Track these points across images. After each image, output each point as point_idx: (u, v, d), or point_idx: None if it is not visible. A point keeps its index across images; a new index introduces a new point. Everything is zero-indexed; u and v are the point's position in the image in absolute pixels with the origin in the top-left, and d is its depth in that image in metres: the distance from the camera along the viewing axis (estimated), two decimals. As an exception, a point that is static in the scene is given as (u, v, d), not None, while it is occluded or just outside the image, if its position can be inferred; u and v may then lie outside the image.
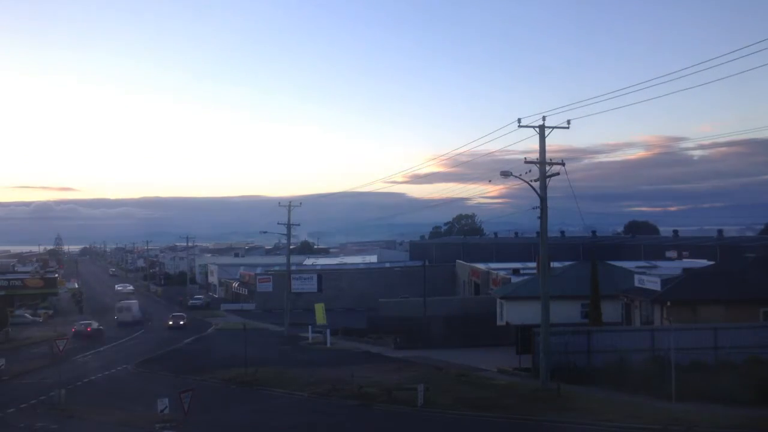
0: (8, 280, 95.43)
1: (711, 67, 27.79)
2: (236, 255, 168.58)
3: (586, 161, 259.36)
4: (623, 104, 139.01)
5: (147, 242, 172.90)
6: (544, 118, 32.76)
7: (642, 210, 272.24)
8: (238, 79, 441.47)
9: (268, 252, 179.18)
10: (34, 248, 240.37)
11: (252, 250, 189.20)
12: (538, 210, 33.38)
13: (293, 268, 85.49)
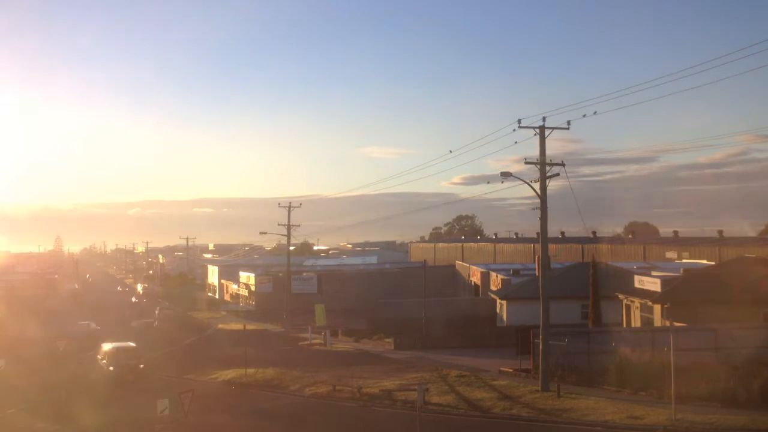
0: (8, 281, 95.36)
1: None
2: (236, 256, 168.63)
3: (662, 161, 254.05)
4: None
5: (147, 243, 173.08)
6: (544, 119, 32.72)
7: (651, 211, 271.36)
8: (247, 76, 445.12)
9: (268, 253, 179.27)
10: (34, 249, 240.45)
11: (252, 251, 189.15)
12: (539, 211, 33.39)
13: (293, 269, 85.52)
